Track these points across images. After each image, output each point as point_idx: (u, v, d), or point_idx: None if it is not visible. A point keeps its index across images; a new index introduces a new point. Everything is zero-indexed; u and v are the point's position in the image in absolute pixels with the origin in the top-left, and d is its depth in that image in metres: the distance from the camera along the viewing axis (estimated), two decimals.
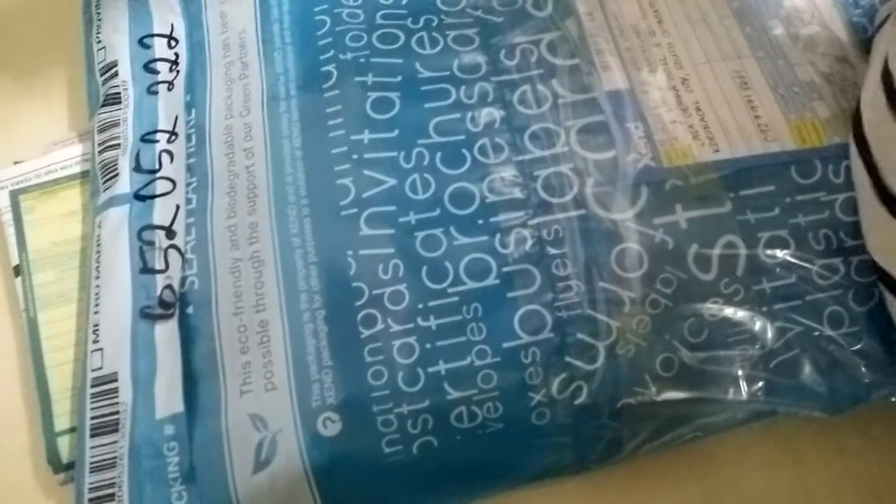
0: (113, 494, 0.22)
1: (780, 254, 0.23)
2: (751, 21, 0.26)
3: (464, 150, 0.24)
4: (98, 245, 0.26)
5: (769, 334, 0.23)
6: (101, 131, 0.27)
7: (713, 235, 0.23)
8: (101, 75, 0.28)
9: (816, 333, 0.23)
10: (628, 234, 0.23)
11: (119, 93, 0.27)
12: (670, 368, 0.23)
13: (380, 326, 0.22)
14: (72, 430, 0.24)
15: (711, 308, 0.23)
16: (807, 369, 0.24)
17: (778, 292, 0.23)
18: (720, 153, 0.24)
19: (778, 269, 0.23)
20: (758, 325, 0.23)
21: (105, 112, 0.27)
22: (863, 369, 0.24)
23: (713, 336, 0.23)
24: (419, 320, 0.22)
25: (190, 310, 0.23)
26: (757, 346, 0.23)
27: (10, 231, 0.28)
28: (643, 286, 0.22)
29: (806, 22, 0.26)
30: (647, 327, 0.23)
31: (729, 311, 0.23)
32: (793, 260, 0.23)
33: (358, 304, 0.22)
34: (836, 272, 0.23)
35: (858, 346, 0.23)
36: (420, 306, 0.22)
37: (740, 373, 0.23)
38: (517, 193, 0.23)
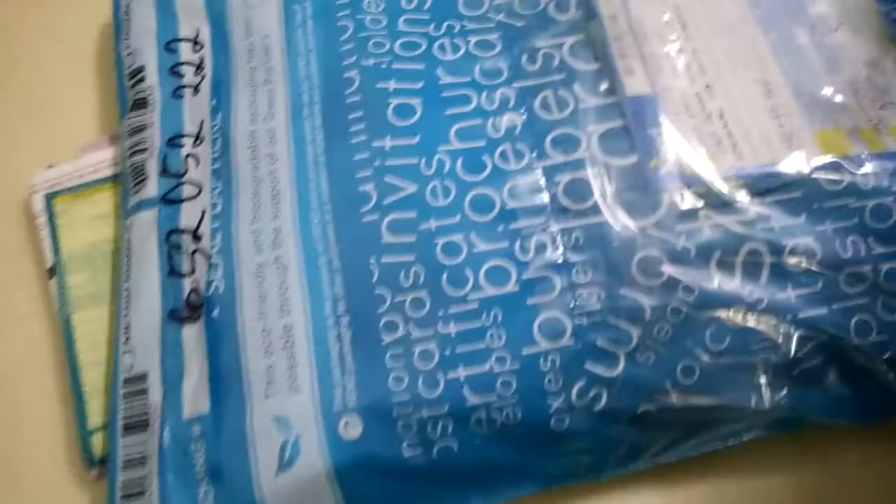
0: (143, 492, 0.23)
1: (806, 261, 0.23)
2: (776, 28, 0.26)
3: (484, 157, 0.24)
4: (128, 248, 0.26)
5: (793, 343, 0.23)
6: (129, 135, 0.28)
7: (736, 243, 0.23)
8: (130, 80, 0.29)
9: (843, 342, 0.23)
10: (650, 241, 0.23)
11: (146, 97, 0.28)
12: (691, 376, 0.23)
13: (401, 333, 0.22)
14: (104, 427, 0.25)
15: (734, 316, 0.23)
16: (833, 378, 0.23)
17: (803, 300, 0.23)
18: (743, 160, 0.24)
19: (803, 277, 0.23)
20: (781, 334, 0.23)
21: (133, 117, 0.28)
22: (892, 378, 0.23)
23: (735, 343, 0.23)
24: (439, 327, 0.22)
25: (215, 313, 0.24)
26: (780, 355, 0.23)
27: (45, 233, 0.29)
28: (665, 293, 0.22)
29: (832, 28, 0.25)
30: (668, 335, 0.22)
31: (752, 319, 0.23)
32: (819, 268, 0.23)
33: (380, 310, 0.23)
34: (864, 280, 0.23)
35: (888, 355, 0.23)
36: (440, 313, 0.22)
37: (763, 381, 0.23)
38: (538, 199, 0.24)
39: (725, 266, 0.23)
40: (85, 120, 0.32)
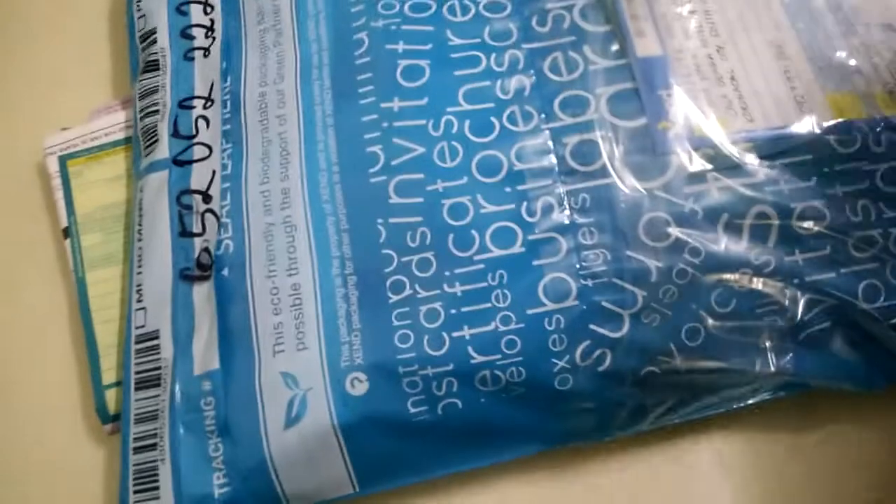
0: (155, 444, 0.23)
1: (815, 225, 0.23)
2: None
3: (493, 118, 0.24)
4: (140, 209, 0.27)
5: (800, 306, 0.23)
6: (141, 98, 0.28)
7: (745, 205, 0.23)
8: (141, 42, 0.29)
9: (850, 307, 0.23)
10: (657, 203, 0.23)
11: (157, 60, 0.28)
12: (696, 338, 0.23)
13: (408, 292, 0.23)
14: (118, 383, 0.26)
15: (741, 279, 0.23)
16: (839, 343, 0.23)
17: (811, 264, 0.23)
18: (754, 123, 0.23)
19: (812, 241, 0.23)
20: (788, 297, 0.23)
21: (145, 79, 0.28)
22: None
23: (741, 306, 0.23)
24: (445, 287, 0.23)
25: (225, 272, 0.24)
26: (787, 318, 0.23)
27: (60, 195, 0.29)
28: (671, 256, 0.22)
29: None
30: (674, 297, 0.23)
31: (759, 282, 0.23)
32: (828, 231, 0.23)
33: (387, 270, 0.23)
34: (874, 244, 0.23)
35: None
36: (447, 273, 0.23)
37: (768, 344, 0.23)
38: (545, 161, 0.23)
39: (733, 229, 0.23)
40: (99, 83, 0.32)
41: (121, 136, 0.30)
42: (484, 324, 0.22)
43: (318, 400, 0.22)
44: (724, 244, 0.23)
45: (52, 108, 0.32)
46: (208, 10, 0.28)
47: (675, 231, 0.23)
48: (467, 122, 0.24)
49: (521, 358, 0.22)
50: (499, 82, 0.25)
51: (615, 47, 0.25)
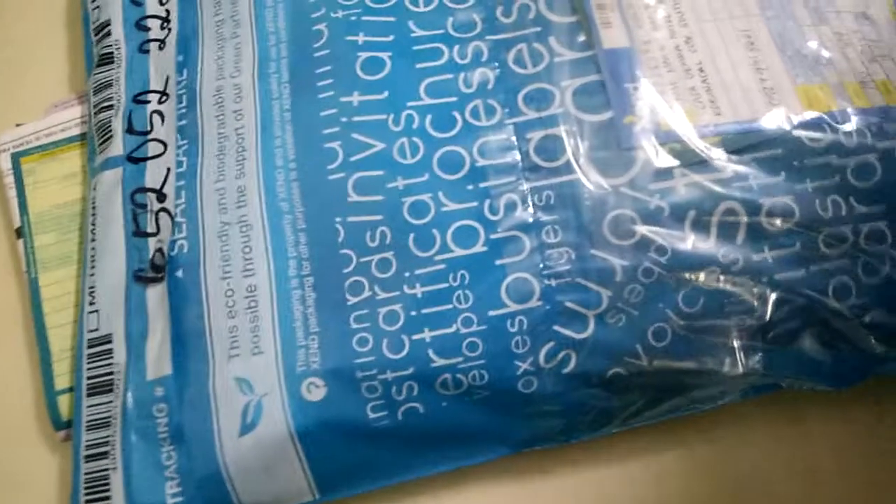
0: (107, 453, 0.23)
1: (784, 222, 0.22)
2: None
3: (455, 113, 0.23)
4: (94, 208, 0.26)
5: (769, 305, 0.22)
6: (95, 92, 0.27)
7: (712, 202, 0.22)
8: (96, 35, 0.28)
9: (820, 305, 0.22)
10: (623, 200, 0.22)
11: (112, 52, 0.27)
12: (663, 338, 0.22)
13: (366, 294, 0.22)
14: (71, 389, 0.25)
15: (708, 277, 0.22)
16: (809, 342, 0.23)
17: (780, 261, 0.22)
18: (722, 116, 0.23)
19: (781, 238, 0.22)
20: (757, 296, 0.22)
21: (99, 73, 0.27)
22: (872, 342, 0.23)
23: (709, 306, 0.22)
24: (405, 288, 0.22)
25: (179, 273, 0.23)
26: (756, 317, 0.22)
27: (13, 193, 0.28)
28: (637, 254, 0.22)
29: None
30: (640, 296, 0.22)
31: (727, 281, 0.22)
32: (797, 228, 0.22)
33: (346, 271, 0.22)
34: (845, 241, 0.22)
35: (868, 319, 0.22)
36: (406, 274, 0.22)
37: (737, 344, 0.23)
38: (509, 157, 0.23)
39: (700, 226, 0.22)
40: (55, 78, 0.31)
41: (77, 132, 0.29)
42: (445, 326, 0.22)
43: (273, 406, 0.21)
44: (691, 242, 0.22)
45: (5, 104, 0.31)
46: (164, 0, 0.27)
47: (640, 229, 0.22)
48: (429, 117, 0.23)
49: (483, 361, 0.22)
50: (462, 75, 0.24)
51: (581, 38, 0.24)
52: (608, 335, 0.22)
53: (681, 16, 0.24)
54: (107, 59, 0.27)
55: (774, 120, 0.23)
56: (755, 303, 0.22)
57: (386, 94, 0.24)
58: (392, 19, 0.25)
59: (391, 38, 0.25)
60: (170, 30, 0.27)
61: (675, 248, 0.22)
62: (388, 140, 0.23)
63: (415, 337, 0.22)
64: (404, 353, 0.22)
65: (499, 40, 0.24)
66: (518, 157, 0.23)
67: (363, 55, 0.24)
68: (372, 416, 0.22)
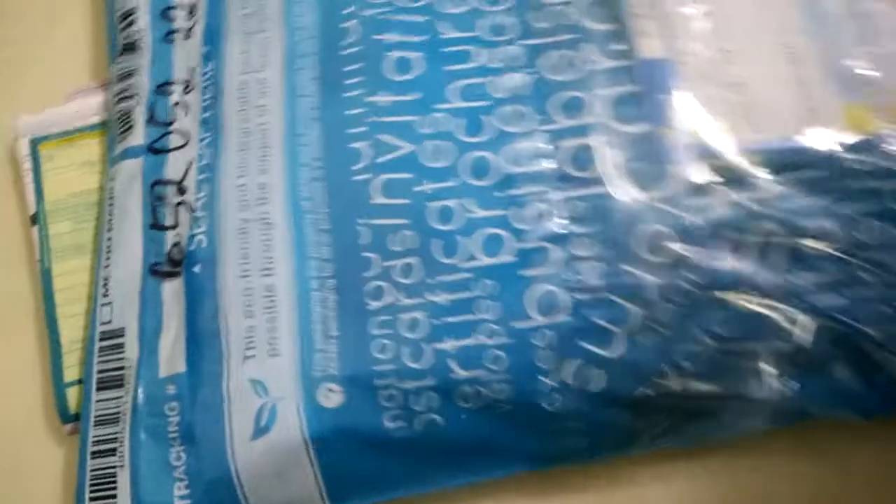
0: (115, 449, 0.22)
1: (824, 245, 0.21)
2: None
3: (485, 117, 0.23)
4: (111, 198, 0.25)
5: (804, 331, 0.21)
6: (118, 81, 0.27)
7: (750, 221, 0.21)
8: (120, 22, 0.27)
9: (858, 333, 0.22)
10: (658, 215, 0.21)
11: (136, 41, 0.27)
12: (693, 360, 0.21)
13: (388, 299, 0.21)
14: (80, 381, 0.25)
15: (743, 300, 0.21)
16: (843, 370, 0.22)
17: (818, 287, 0.21)
18: (762, 133, 0.22)
19: (820, 262, 0.21)
20: (792, 321, 0.21)
21: (122, 61, 0.27)
22: None
23: (743, 329, 0.21)
24: (428, 295, 0.21)
25: (197, 269, 0.23)
26: (790, 343, 0.22)
27: (29, 179, 0.28)
28: (670, 272, 0.21)
29: None
30: (671, 315, 0.21)
31: (762, 304, 0.21)
32: (837, 253, 0.21)
33: (367, 274, 0.22)
34: (887, 268, 0.22)
35: None
36: (430, 280, 0.21)
37: (769, 369, 0.22)
38: (539, 165, 0.22)
39: (737, 246, 0.21)
40: (77, 65, 0.31)
41: (97, 119, 0.28)
42: (468, 336, 0.21)
43: (288, 410, 0.21)
44: (727, 262, 0.21)
45: (26, 89, 0.30)
46: None
47: (675, 246, 0.21)
48: (458, 121, 0.23)
49: (506, 374, 0.21)
50: (493, 79, 0.23)
51: (618, 47, 0.23)
52: (637, 354, 0.21)
53: (720, 27, 0.24)
54: (130, 48, 0.27)
55: (817, 139, 0.22)
56: (791, 328, 0.22)
57: (415, 95, 0.23)
58: (423, 19, 0.24)
59: (421, 38, 0.24)
60: (196, 20, 0.27)
61: (711, 267, 0.21)
62: (416, 142, 0.23)
63: (437, 346, 0.21)
64: (425, 362, 0.21)
65: (532, 45, 0.24)
66: (549, 165, 0.22)
67: (392, 55, 0.24)
68: (389, 425, 0.21)
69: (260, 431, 0.21)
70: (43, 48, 0.31)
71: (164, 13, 0.27)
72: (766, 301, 0.21)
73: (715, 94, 0.23)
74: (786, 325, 0.22)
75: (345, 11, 0.25)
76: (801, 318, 0.22)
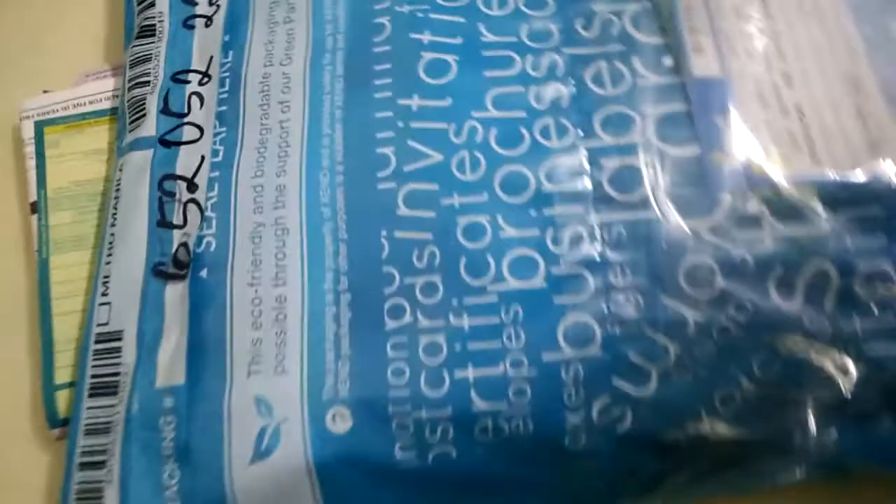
0: (104, 462, 0.20)
1: (881, 289, 0.20)
2: (871, 19, 0.22)
3: (523, 129, 0.21)
4: (117, 190, 0.24)
5: (853, 380, 0.20)
6: (132, 66, 0.25)
7: (802, 259, 0.20)
8: (139, 4, 0.26)
9: None
10: (703, 246, 0.20)
11: (154, 25, 0.25)
12: (731, 404, 0.20)
13: (408, 319, 0.20)
14: (72, 384, 0.23)
15: (789, 342, 0.20)
16: (889, 423, 0.21)
17: (871, 333, 0.20)
18: (820, 165, 0.20)
19: (875, 307, 0.20)
20: (840, 368, 0.20)
21: (138, 45, 0.25)
22: None
23: (786, 374, 0.20)
24: (451, 317, 0.20)
25: (203, 273, 0.21)
26: (836, 392, 0.20)
27: (32, 164, 0.26)
28: (713, 309, 0.20)
29: None
30: (711, 355, 0.20)
31: (809, 349, 0.20)
32: (894, 297, 0.20)
33: (387, 291, 0.20)
34: None
35: None
36: (454, 302, 0.20)
37: (811, 418, 0.20)
38: (579, 185, 0.21)
39: (787, 285, 0.20)
40: (89, 46, 0.29)
41: (107, 105, 0.27)
42: (491, 365, 0.19)
43: (293, 433, 0.19)
44: (774, 301, 0.20)
45: (36, 68, 0.29)
46: None
47: (720, 281, 0.20)
48: (494, 131, 0.21)
49: (529, 409, 0.19)
50: (533, 89, 0.22)
51: (669, 62, 0.22)
52: (671, 394, 0.20)
53: (780, 50, 0.22)
54: (147, 32, 0.25)
55: (878, 174, 0.20)
56: (837, 376, 0.20)
57: (449, 100, 0.22)
58: (462, 20, 0.23)
59: (459, 40, 0.23)
60: (218, 6, 0.25)
61: (757, 306, 0.20)
62: (447, 152, 0.21)
63: (457, 374, 0.19)
64: (444, 391, 0.19)
65: (577, 55, 0.22)
66: (589, 185, 0.21)
67: (427, 56, 0.22)
68: (399, 456, 0.19)
69: (260, 454, 0.19)
70: (58, 27, 0.29)
71: None
72: (814, 346, 0.20)
73: (771, 120, 0.21)
74: (832, 372, 0.20)
75: (378, 6, 0.23)
76: (850, 365, 0.20)
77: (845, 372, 0.20)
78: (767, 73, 0.22)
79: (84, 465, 0.21)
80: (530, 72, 0.22)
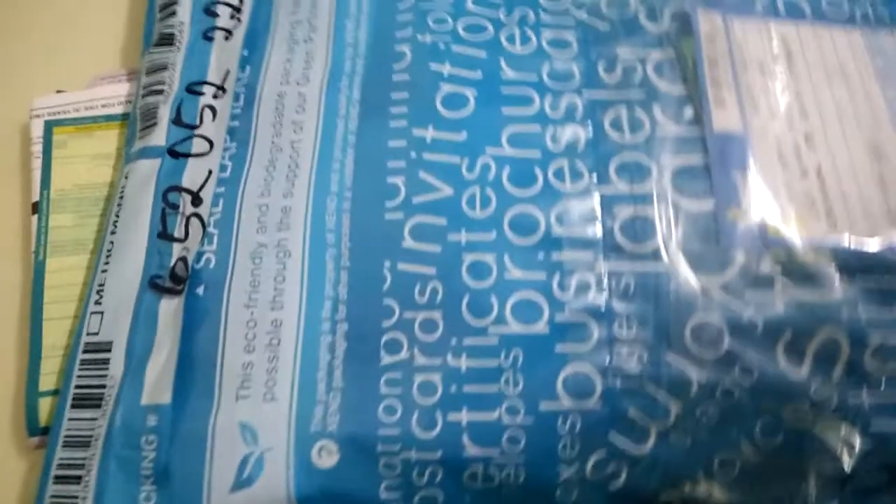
0: (80, 477, 0.20)
1: (891, 364, 0.19)
2: None
3: (537, 169, 0.21)
4: (121, 197, 0.23)
5: (855, 455, 0.19)
6: (148, 73, 0.25)
7: (813, 326, 0.19)
8: (160, 11, 0.26)
9: None
10: (712, 304, 0.19)
11: (174, 34, 0.25)
12: (730, 469, 0.19)
13: (404, 355, 0.19)
14: (56, 392, 0.22)
15: (794, 411, 0.19)
16: (891, 500, 0.20)
17: (878, 409, 0.19)
18: (837, 230, 0.20)
19: (884, 382, 0.19)
20: (844, 442, 0.19)
21: (155, 52, 0.25)
22: None
23: (788, 443, 0.19)
24: (449, 357, 0.19)
25: (200, 290, 0.21)
26: (837, 466, 0.19)
27: (38, 164, 0.26)
28: (719, 369, 0.19)
29: None
30: (713, 417, 0.19)
31: (814, 419, 0.19)
32: None
33: (385, 324, 0.20)
34: None
35: None
36: (453, 341, 0.19)
37: (810, 490, 0.20)
38: (589, 231, 0.20)
39: (795, 351, 0.19)
40: (107, 49, 0.29)
41: (119, 110, 0.27)
42: (487, 410, 0.19)
43: (276, 464, 0.19)
44: (781, 368, 0.19)
45: (51, 68, 0.28)
46: None
47: (727, 341, 0.19)
48: (507, 169, 0.21)
49: (522, 458, 0.19)
50: (550, 129, 0.21)
51: (689, 113, 0.21)
52: (669, 455, 0.19)
53: (803, 109, 0.22)
54: (166, 40, 0.25)
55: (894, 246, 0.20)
56: (841, 449, 0.19)
57: (464, 134, 0.21)
58: (483, 54, 0.23)
59: (479, 74, 0.22)
60: (240, 21, 0.25)
61: (763, 370, 0.19)
62: (458, 186, 0.21)
63: (450, 417, 0.19)
64: (435, 432, 0.19)
65: (597, 99, 0.22)
66: (600, 232, 0.20)
67: (446, 88, 0.22)
68: (384, 496, 0.19)
69: (241, 483, 0.19)
70: (76, 27, 0.29)
71: (208, 8, 0.25)
72: (819, 417, 0.19)
73: (790, 180, 0.21)
74: (836, 444, 0.19)
75: (400, 34, 0.23)
76: (854, 439, 0.19)
77: (849, 445, 0.19)
78: (789, 132, 0.21)
79: (60, 479, 0.20)
80: (548, 112, 0.22)
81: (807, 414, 0.19)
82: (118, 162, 0.26)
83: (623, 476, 0.19)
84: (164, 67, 0.25)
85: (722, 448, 0.19)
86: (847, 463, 0.19)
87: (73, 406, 0.21)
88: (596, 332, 0.19)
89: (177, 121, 0.24)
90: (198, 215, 0.22)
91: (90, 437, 0.20)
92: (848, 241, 0.20)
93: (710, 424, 0.19)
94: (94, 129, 0.26)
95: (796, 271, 0.20)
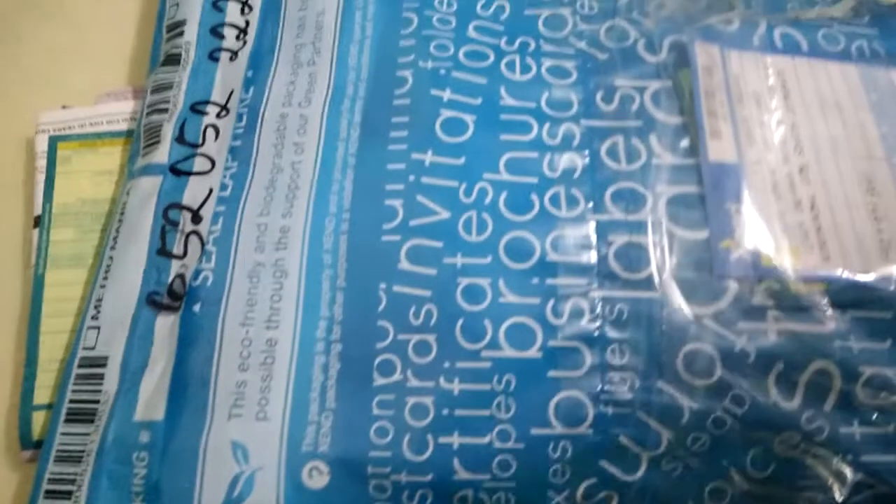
0: (71, 493, 0.20)
1: (882, 396, 0.19)
2: (890, 120, 0.22)
3: (534, 195, 0.21)
4: (122, 213, 0.24)
5: (846, 486, 0.19)
6: (153, 91, 0.25)
7: (805, 357, 0.19)
8: (168, 32, 0.26)
9: None
10: (704, 333, 0.19)
11: (180, 54, 0.25)
12: (720, 498, 0.19)
13: (397, 377, 0.19)
14: (50, 406, 0.23)
15: (785, 441, 0.19)
16: None
17: (869, 441, 0.19)
18: (830, 262, 0.20)
19: (875, 414, 0.19)
20: (835, 473, 0.19)
21: (162, 72, 0.25)
22: None
23: (779, 473, 0.19)
24: (442, 380, 0.19)
25: (197, 307, 0.21)
26: (829, 496, 0.19)
27: (41, 178, 0.26)
28: (710, 399, 0.19)
29: None
30: (705, 446, 0.19)
31: (805, 450, 0.19)
32: (894, 406, 0.19)
33: (379, 346, 0.20)
34: None
35: None
36: (446, 364, 0.19)
37: None
38: (584, 257, 0.20)
39: (786, 382, 0.19)
40: (114, 66, 0.29)
41: (124, 127, 0.27)
42: (478, 434, 0.19)
43: (267, 483, 0.19)
44: (773, 398, 0.19)
45: (54, 83, 0.29)
46: (246, 10, 0.26)
47: (719, 370, 0.19)
48: (504, 195, 0.21)
49: (513, 483, 0.19)
50: (548, 156, 0.22)
51: (685, 143, 0.22)
52: (659, 483, 0.19)
53: (798, 142, 0.22)
54: (173, 60, 0.25)
55: (889, 278, 0.20)
56: (831, 480, 0.19)
57: (462, 159, 0.22)
58: (483, 81, 0.23)
59: (479, 101, 0.23)
60: (245, 42, 0.25)
61: (755, 401, 0.19)
62: (455, 210, 0.21)
63: (441, 440, 0.19)
64: (426, 455, 0.19)
65: (594, 127, 0.22)
66: (595, 259, 0.20)
67: (446, 113, 0.22)
68: None
69: (231, 501, 0.19)
70: (85, 44, 0.30)
71: (214, 30, 0.25)
72: (810, 447, 0.19)
73: (783, 212, 0.21)
74: (827, 475, 0.19)
75: (402, 59, 0.23)
76: (845, 471, 0.19)
77: (840, 477, 0.19)
78: (783, 164, 0.22)
79: (51, 494, 0.20)
80: (546, 139, 0.22)
81: (798, 444, 0.19)
82: (121, 178, 0.26)
83: (613, 503, 0.19)
84: (169, 86, 0.25)
85: (713, 477, 0.19)
86: (838, 494, 0.19)
87: (66, 420, 0.21)
88: (588, 358, 0.19)
89: (180, 139, 0.24)
90: (197, 233, 0.22)
91: (82, 452, 0.20)
92: (840, 273, 0.20)
93: (702, 453, 0.19)
94: (98, 145, 0.27)
95: (789, 302, 0.20)
